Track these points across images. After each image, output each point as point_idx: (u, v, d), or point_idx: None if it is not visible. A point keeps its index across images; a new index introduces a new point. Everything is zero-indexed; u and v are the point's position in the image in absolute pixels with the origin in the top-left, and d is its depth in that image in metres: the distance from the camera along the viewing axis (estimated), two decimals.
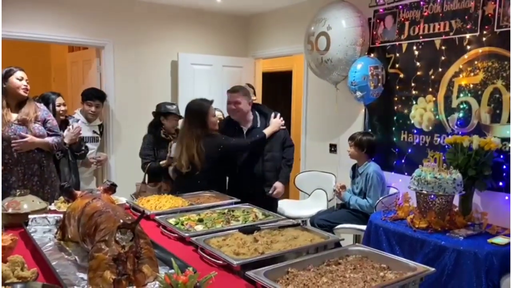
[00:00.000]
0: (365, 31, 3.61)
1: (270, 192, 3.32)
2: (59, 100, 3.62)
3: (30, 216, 2.07)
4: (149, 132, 3.76)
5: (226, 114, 3.67)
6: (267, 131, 3.28)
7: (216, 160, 3.07)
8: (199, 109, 3.11)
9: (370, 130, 3.76)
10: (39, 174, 2.96)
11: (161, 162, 3.58)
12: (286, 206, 3.87)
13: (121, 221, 1.43)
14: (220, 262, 1.66)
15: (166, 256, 1.63)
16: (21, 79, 2.92)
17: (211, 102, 3.17)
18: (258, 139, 3.24)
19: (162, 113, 3.73)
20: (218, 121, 3.31)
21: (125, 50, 4.52)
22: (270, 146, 3.33)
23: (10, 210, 2.10)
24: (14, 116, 2.89)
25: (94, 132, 4.08)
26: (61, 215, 1.98)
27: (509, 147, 2.84)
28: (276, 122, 3.34)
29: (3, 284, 1.33)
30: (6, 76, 2.90)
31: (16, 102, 2.93)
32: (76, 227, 1.67)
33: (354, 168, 3.57)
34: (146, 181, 3.73)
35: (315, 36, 3.66)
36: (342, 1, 3.67)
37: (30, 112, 2.93)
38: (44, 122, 3.01)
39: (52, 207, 2.33)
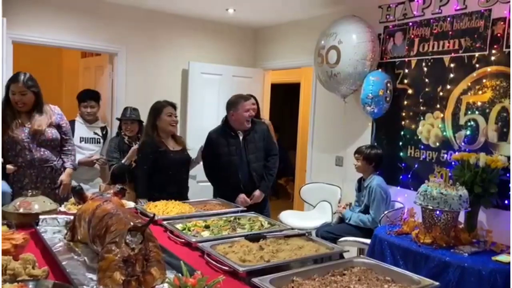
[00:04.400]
0: (376, 46, 3.65)
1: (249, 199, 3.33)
2: None
3: (40, 217, 2.11)
4: (116, 135, 3.94)
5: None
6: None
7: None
8: (153, 107, 3.27)
9: (376, 144, 3.78)
10: (52, 177, 3.01)
11: (122, 161, 3.65)
12: (290, 217, 3.88)
13: (132, 223, 1.46)
14: (226, 268, 1.69)
15: (173, 260, 1.65)
16: None
17: (171, 103, 3.28)
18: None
19: (120, 119, 3.92)
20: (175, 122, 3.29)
21: (138, 58, 4.59)
22: (254, 157, 3.34)
23: (21, 210, 2.14)
24: (26, 122, 2.90)
25: (95, 133, 4.10)
26: (71, 217, 2.02)
27: None
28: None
29: (16, 281, 1.36)
30: (9, 86, 2.90)
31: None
32: (87, 229, 1.70)
33: (360, 181, 3.59)
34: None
35: (326, 49, 3.70)
36: (354, 16, 3.72)
37: (43, 123, 2.93)
38: (58, 127, 3.04)
39: (62, 208, 2.37)
